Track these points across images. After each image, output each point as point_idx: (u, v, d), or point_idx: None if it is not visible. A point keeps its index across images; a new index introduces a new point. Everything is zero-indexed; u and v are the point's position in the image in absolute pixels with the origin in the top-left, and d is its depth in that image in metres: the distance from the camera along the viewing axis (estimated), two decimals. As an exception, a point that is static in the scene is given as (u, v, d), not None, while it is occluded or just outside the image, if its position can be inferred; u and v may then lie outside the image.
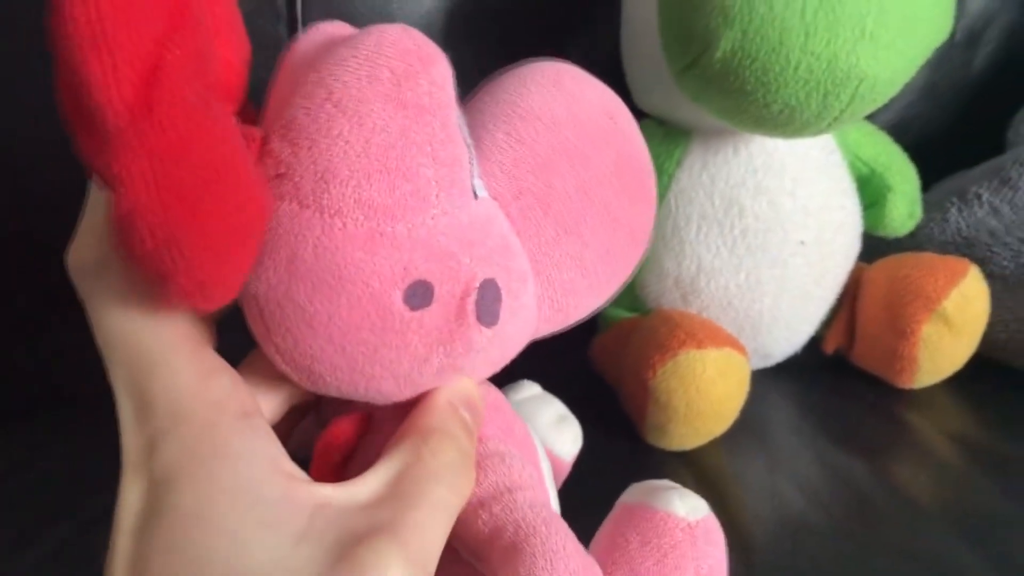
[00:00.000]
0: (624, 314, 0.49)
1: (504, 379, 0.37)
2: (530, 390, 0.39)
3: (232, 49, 0.24)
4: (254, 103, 0.25)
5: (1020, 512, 0.38)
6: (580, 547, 0.24)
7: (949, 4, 0.37)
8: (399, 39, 0.23)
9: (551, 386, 0.39)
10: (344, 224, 0.22)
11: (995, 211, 0.53)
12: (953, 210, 0.55)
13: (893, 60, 0.34)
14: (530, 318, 0.26)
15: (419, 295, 0.23)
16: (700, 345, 0.40)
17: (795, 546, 0.37)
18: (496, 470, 0.25)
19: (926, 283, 0.45)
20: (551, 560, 0.22)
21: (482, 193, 0.25)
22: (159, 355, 0.21)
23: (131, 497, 0.20)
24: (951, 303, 0.44)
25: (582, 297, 0.26)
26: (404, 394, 0.25)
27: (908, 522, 0.38)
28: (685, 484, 0.41)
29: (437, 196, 0.23)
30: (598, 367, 0.50)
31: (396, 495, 0.21)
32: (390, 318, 0.23)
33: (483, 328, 0.24)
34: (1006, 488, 0.40)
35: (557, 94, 0.26)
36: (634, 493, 0.29)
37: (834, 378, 0.50)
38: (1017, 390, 0.48)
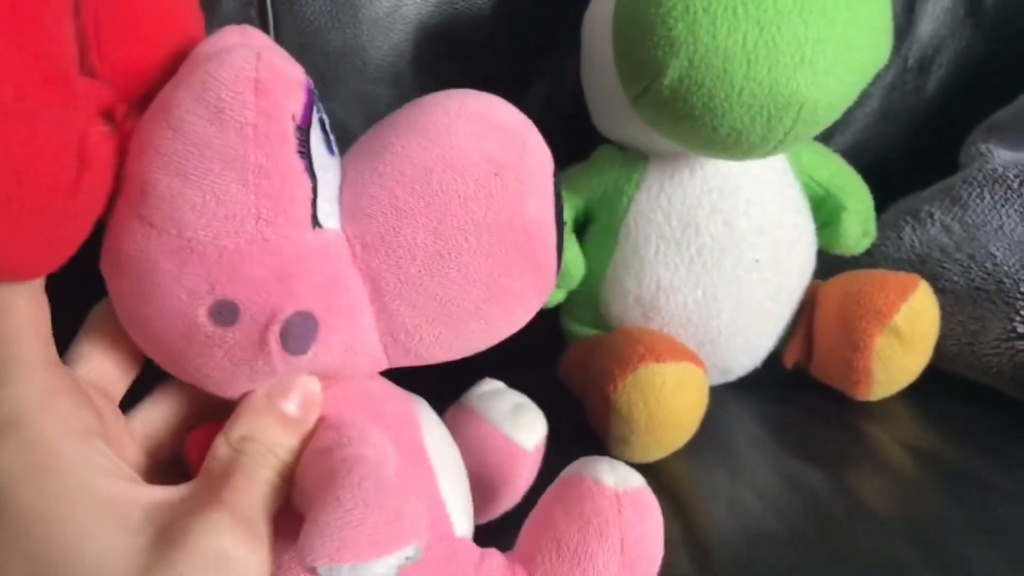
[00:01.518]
0: (589, 332, 0.50)
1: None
2: (490, 385, 0.39)
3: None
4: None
5: (970, 518, 0.39)
6: (392, 483, 0.23)
7: (886, 31, 0.38)
8: (227, 64, 0.22)
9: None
10: (159, 234, 0.23)
11: (946, 229, 0.55)
12: (907, 228, 0.57)
13: (832, 85, 0.35)
14: (365, 348, 0.26)
15: (224, 313, 0.23)
16: (659, 359, 0.41)
17: (752, 551, 0.38)
18: (326, 436, 0.25)
19: (877, 298, 0.46)
20: (356, 483, 0.22)
21: (329, 224, 0.24)
22: (13, 369, 0.23)
23: None
24: (901, 317, 0.45)
25: (428, 345, 0.26)
26: (230, 392, 0.26)
27: (863, 528, 0.39)
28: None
29: (256, 223, 0.23)
30: (566, 383, 0.51)
31: (213, 481, 0.23)
32: (196, 330, 0.23)
33: (289, 356, 0.24)
34: (958, 495, 0.41)
35: (438, 137, 0.24)
36: (572, 466, 0.29)
37: (794, 391, 0.51)
38: (969, 401, 0.49)
